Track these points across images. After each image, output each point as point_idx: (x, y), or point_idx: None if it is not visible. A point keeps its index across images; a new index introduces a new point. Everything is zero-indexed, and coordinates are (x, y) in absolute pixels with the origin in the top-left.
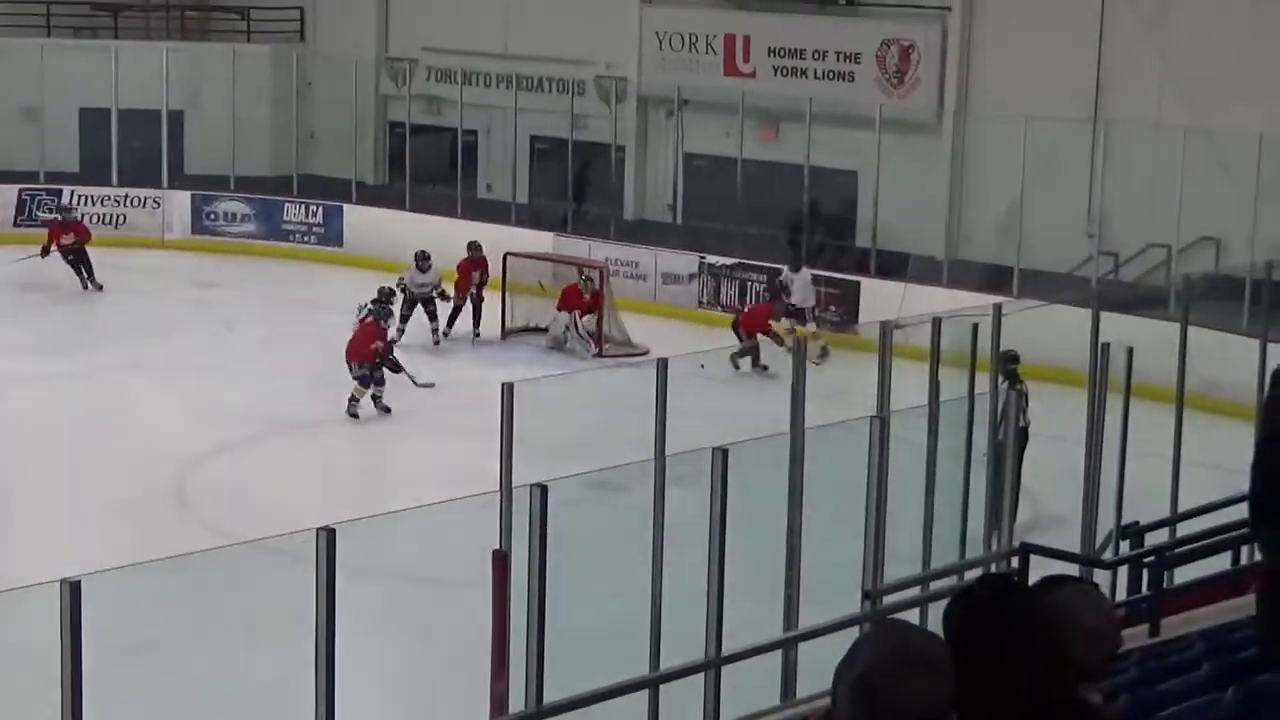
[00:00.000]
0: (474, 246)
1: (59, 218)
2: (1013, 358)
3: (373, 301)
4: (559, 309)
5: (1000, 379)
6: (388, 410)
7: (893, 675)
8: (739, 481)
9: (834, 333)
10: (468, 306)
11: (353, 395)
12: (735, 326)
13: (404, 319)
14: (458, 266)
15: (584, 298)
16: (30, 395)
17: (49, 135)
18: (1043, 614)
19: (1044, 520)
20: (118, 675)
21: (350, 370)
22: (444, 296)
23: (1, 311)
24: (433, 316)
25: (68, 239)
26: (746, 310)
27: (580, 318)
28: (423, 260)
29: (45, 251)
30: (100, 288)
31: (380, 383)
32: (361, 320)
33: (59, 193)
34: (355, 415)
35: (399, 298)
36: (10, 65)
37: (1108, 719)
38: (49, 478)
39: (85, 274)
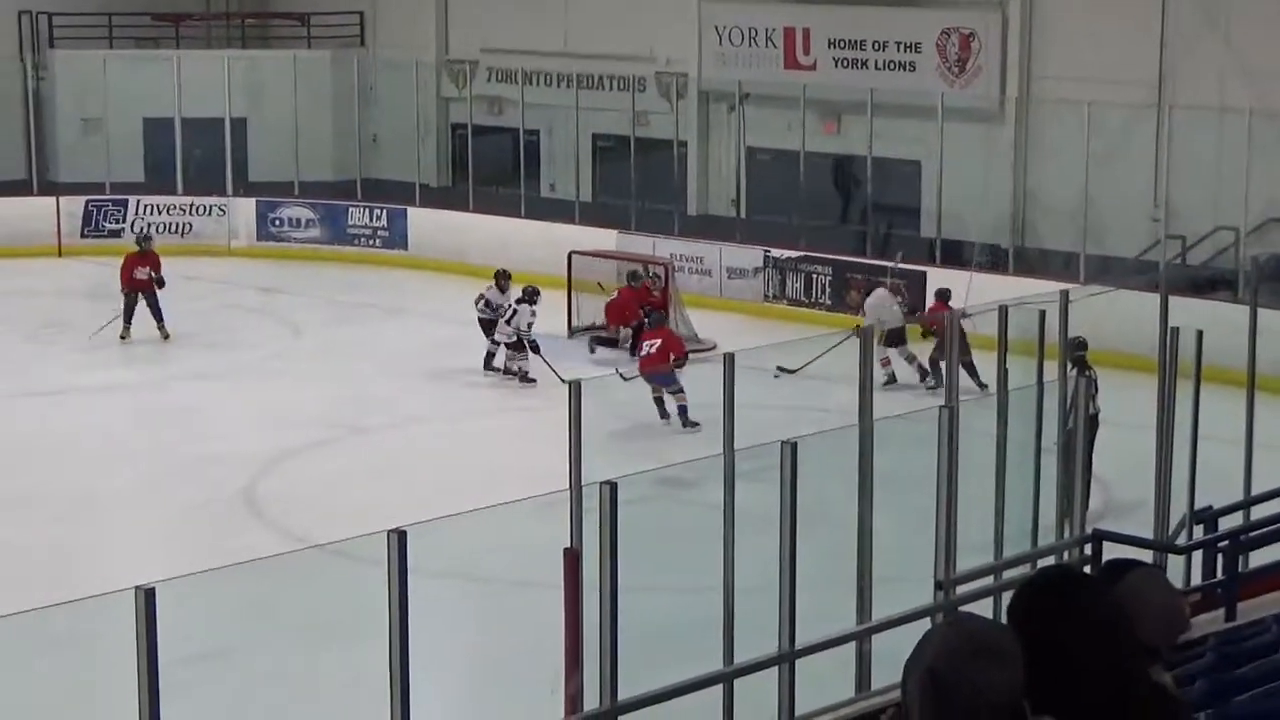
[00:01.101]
0: (634, 276)
1: (138, 248)
2: (1080, 344)
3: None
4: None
5: (1069, 366)
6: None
7: (963, 664)
8: (809, 475)
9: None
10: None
11: (682, 407)
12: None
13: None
14: (620, 292)
15: (653, 295)
16: (101, 405)
17: (113, 146)
18: (1108, 601)
19: (1116, 507)
20: (193, 679)
21: (668, 386)
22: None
23: (73, 322)
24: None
25: (142, 273)
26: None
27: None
28: (503, 279)
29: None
30: (167, 336)
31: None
32: (653, 330)
33: (124, 203)
34: (696, 424)
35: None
36: (74, 77)
37: (1180, 702)
38: (121, 487)
39: (155, 318)
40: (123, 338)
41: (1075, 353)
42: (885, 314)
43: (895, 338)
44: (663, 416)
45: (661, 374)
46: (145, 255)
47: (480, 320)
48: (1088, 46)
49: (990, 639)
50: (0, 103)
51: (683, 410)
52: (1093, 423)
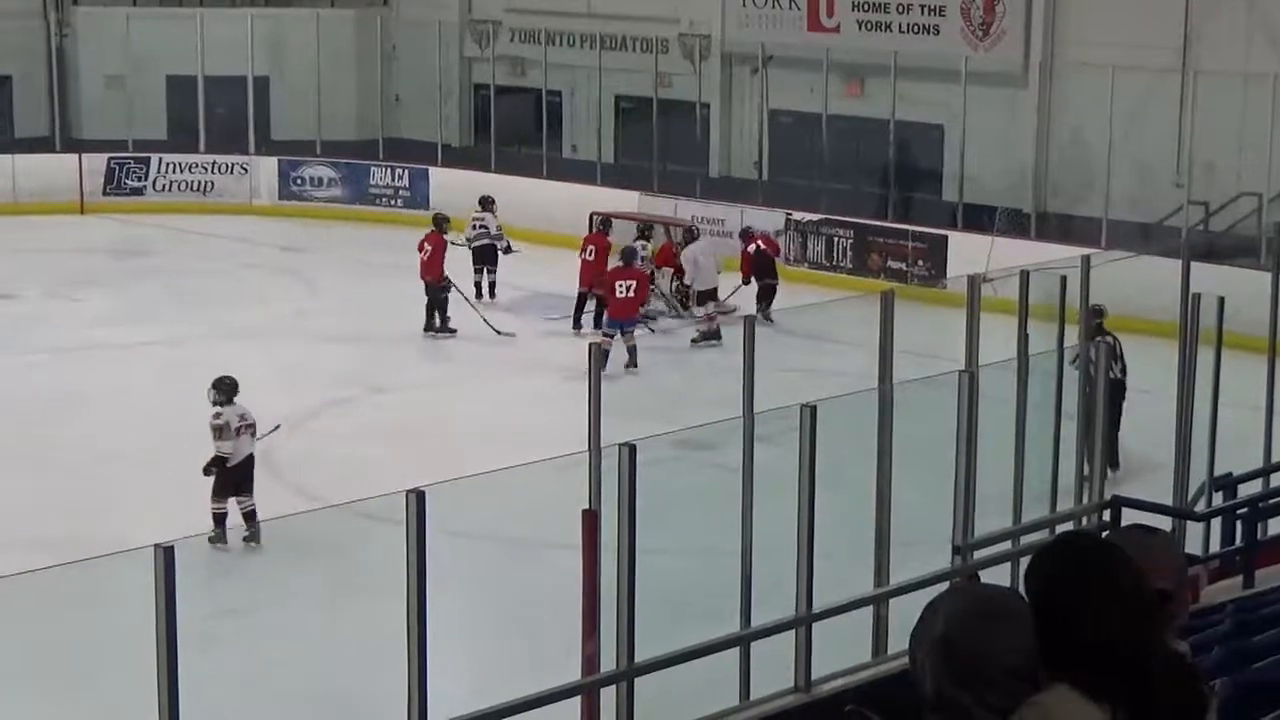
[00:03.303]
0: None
1: (435, 227)
2: (1098, 312)
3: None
4: (658, 264)
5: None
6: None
7: (976, 629)
8: (828, 438)
9: (922, 287)
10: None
11: (633, 347)
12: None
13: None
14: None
15: (677, 261)
16: (122, 362)
17: (136, 104)
18: (1127, 568)
19: (1135, 473)
20: (211, 637)
21: (634, 328)
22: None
23: (95, 280)
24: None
25: (423, 254)
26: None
27: (672, 281)
28: (491, 204)
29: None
30: (440, 329)
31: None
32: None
33: (147, 161)
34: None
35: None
36: (97, 34)
37: (1195, 669)
38: (142, 444)
39: (440, 312)
40: (445, 330)
41: (1092, 320)
42: (705, 269)
43: (706, 296)
44: (631, 365)
45: (632, 318)
46: (441, 236)
47: (480, 249)
48: (1112, 11)
49: (1001, 603)
50: (24, 60)
51: (632, 350)
52: (1118, 388)
